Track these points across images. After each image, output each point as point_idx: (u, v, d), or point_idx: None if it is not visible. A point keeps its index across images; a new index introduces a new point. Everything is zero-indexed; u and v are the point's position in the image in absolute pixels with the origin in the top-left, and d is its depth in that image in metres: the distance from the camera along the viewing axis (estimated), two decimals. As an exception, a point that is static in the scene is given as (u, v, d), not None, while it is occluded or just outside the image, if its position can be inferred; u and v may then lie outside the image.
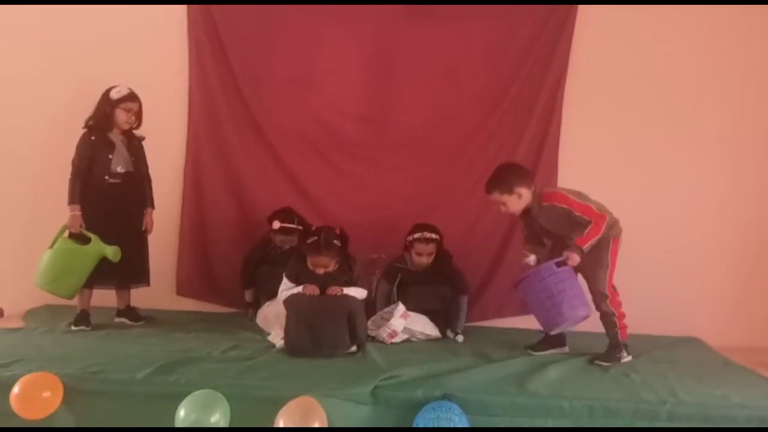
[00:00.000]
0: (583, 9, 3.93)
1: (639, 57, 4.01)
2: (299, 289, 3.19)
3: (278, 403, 2.38)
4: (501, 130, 4.04)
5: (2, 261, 4.11)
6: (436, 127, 4.04)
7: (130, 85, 4.01)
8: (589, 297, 3.25)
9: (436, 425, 2.43)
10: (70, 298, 3.45)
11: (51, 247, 3.42)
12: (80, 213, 3.43)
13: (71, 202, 3.46)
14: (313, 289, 3.17)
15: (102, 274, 3.46)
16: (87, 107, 4.05)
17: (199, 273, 4.11)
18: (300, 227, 3.70)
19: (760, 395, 2.78)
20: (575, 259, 3.09)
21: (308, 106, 4.05)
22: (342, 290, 3.19)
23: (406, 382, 2.71)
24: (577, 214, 3.14)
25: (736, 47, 3.99)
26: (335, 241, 3.21)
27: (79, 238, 3.41)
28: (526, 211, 3.26)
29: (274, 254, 3.77)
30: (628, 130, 4.04)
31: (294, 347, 3.07)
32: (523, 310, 4.05)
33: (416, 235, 3.61)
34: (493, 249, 4.08)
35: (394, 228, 3.85)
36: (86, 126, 3.54)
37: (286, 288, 3.25)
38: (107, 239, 3.39)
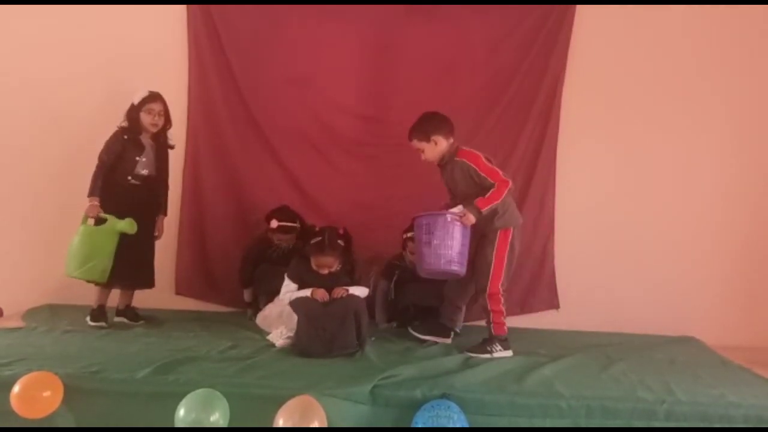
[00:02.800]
0: (581, 9, 3.94)
1: (637, 56, 4.03)
2: (307, 293, 3.18)
3: (277, 403, 2.38)
4: (499, 129, 4.05)
5: (2, 261, 4.11)
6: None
7: (128, 84, 4.02)
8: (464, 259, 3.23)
9: (434, 424, 2.43)
10: (103, 281, 3.44)
11: None
12: (98, 204, 3.44)
13: (91, 194, 3.47)
14: (324, 295, 3.17)
15: (120, 275, 3.47)
16: (86, 107, 4.08)
17: (197, 272, 4.12)
18: (298, 225, 3.71)
19: (757, 394, 2.79)
20: (470, 218, 3.13)
21: (307, 104, 4.06)
22: (347, 291, 3.19)
23: (405, 382, 2.71)
24: (482, 174, 3.19)
25: (733, 46, 4.01)
26: (339, 241, 3.22)
27: (99, 223, 3.44)
28: (442, 164, 3.32)
29: (272, 253, 3.78)
30: (626, 128, 4.06)
31: (306, 350, 3.07)
32: (522, 309, 4.09)
33: (411, 234, 3.62)
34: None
35: (393, 226, 3.86)
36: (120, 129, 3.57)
37: (289, 289, 3.25)
38: (120, 238, 3.40)
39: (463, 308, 3.57)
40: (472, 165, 3.22)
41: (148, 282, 3.67)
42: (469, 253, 3.23)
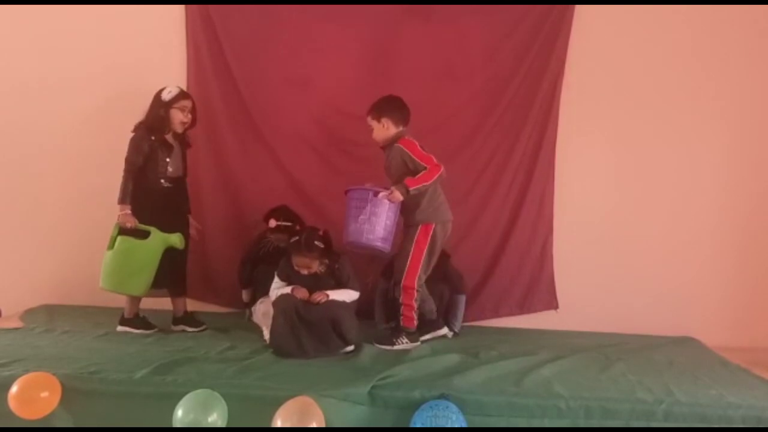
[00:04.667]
0: (580, 9, 3.94)
1: (636, 56, 4.03)
2: (288, 289, 3.19)
3: (276, 403, 2.38)
4: (498, 129, 4.05)
5: (1, 261, 4.11)
6: (434, 126, 4.03)
7: (127, 84, 4.03)
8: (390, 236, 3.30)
9: (433, 424, 2.43)
10: (143, 295, 3.38)
11: (110, 248, 3.30)
12: (130, 212, 3.30)
13: (122, 201, 3.30)
14: (303, 293, 3.17)
15: (164, 282, 3.42)
16: (85, 107, 4.07)
17: (196, 272, 4.11)
18: (296, 225, 3.70)
19: (756, 395, 2.79)
20: (397, 195, 3.21)
21: (306, 105, 4.06)
22: (327, 296, 3.17)
23: (404, 382, 2.71)
24: (416, 159, 3.29)
25: (733, 46, 4.01)
26: (317, 242, 3.20)
27: (136, 234, 3.28)
28: (385, 148, 3.42)
29: (271, 253, 3.78)
30: (625, 128, 4.06)
31: (279, 349, 3.07)
32: (521, 309, 4.09)
33: None
34: (491, 249, 4.09)
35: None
36: (136, 129, 3.39)
37: (277, 287, 3.26)
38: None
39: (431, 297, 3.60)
40: (407, 150, 3.31)
41: (184, 287, 3.60)
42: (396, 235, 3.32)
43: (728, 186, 4.07)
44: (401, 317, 3.37)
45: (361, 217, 3.20)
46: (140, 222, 3.31)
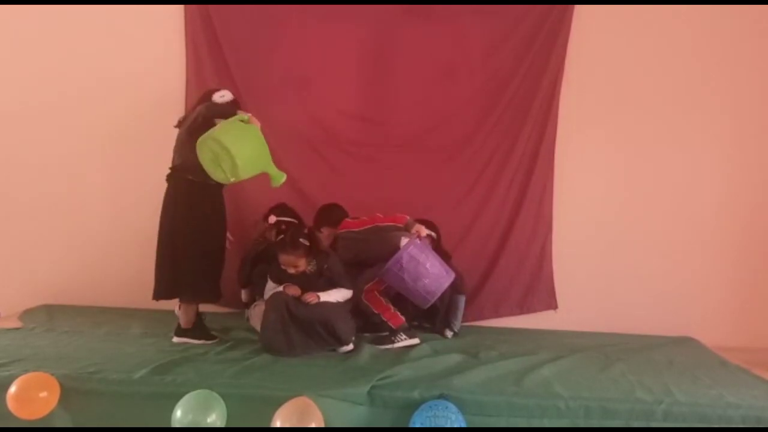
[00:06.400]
0: (579, 9, 3.94)
1: (635, 56, 4.03)
2: (280, 288, 3.19)
3: (275, 404, 2.38)
4: (498, 129, 4.05)
5: (0, 261, 4.11)
6: (433, 126, 4.04)
7: (127, 84, 4.02)
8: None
9: (432, 424, 2.43)
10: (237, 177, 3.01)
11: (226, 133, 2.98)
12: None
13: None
14: (295, 290, 3.16)
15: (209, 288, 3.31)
16: (84, 107, 4.07)
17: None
18: (296, 222, 3.70)
19: (755, 395, 2.79)
20: (417, 229, 3.33)
21: (305, 105, 4.05)
22: (318, 297, 3.15)
23: (403, 383, 2.71)
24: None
25: (732, 46, 4.01)
26: (302, 240, 3.18)
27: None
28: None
29: (270, 253, 3.77)
30: (624, 129, 4.06)
31: (268, 345, 3.07)
32: (521, 309, 4.09)
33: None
34: (491, 249, 4.09)
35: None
36: (181, 125, 3.33)
37: (270, 288, 3.25)
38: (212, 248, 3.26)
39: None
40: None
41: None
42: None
43: (728, 185, 4.07)
44: (386, 323, 3.40)
45: (426, 270, 3.22)
46: (212, 219, 3.26)
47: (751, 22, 3.98)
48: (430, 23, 4.00)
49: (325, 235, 3.56)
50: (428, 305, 3.35)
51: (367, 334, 3.47)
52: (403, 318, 3.44)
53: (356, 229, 3.47)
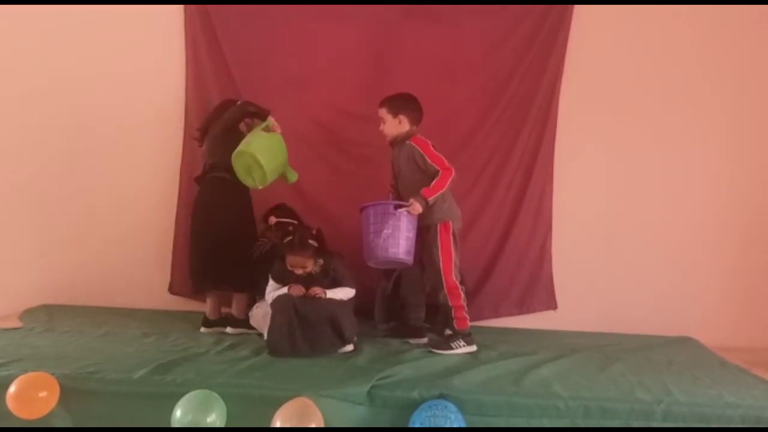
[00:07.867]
0: (579, 9, 3.94)
1: (635, 56, 4.04)
2: (285, 289, 3.19)
3: (275, 404, 2.38)
4: (498, 129, 4.05)
5: (-1, 261, 4.12)
6: (433, 126, 4.01)
7: (127, 83, 4.02)
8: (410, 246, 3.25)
9: (432, 424, 2.43)
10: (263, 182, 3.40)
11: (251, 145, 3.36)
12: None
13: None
14: (299, 289, 3.16)
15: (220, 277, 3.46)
16: (84, 108, 4.07)
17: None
18: (296, 223, 3.70)
19: (754, 395, 2.79)
20: (417, 207, 3.18)
21: (305, 105, 4.05)
22: (325, 293, 3.16)
23: (403, 382, 2.71)
24: (428, 160, 3.28)
25: (732, 46, 4.01)
26: (311, 241, 3.20)
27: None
28: (395, 143, 3.42)
29: (270, 252, 3.76)
30: (624, 128, 4.06)
31: (274, 348, 3.07)
32: (520, 309, 4.09)
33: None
34: (490, 249, 4.09)
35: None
36: (202, 130, 3.56)
37: (272, 289, 3.25)
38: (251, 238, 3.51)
39: (423, 303, 3.57)
40: (420, 150, 3.30)
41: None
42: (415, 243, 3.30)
43: (727, 185, 4.07)
44: (454, 320, 3.30)
45: (385, 231, 3.15)
46: (242, 215, 3.51)
47: (751, 22, 3.99)
48: (430, 23, 4.01)
49: (401, 125, 3.38)
50: (369, 262, 3.26)
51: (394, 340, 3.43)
52: (468, 324, 3.33)
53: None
